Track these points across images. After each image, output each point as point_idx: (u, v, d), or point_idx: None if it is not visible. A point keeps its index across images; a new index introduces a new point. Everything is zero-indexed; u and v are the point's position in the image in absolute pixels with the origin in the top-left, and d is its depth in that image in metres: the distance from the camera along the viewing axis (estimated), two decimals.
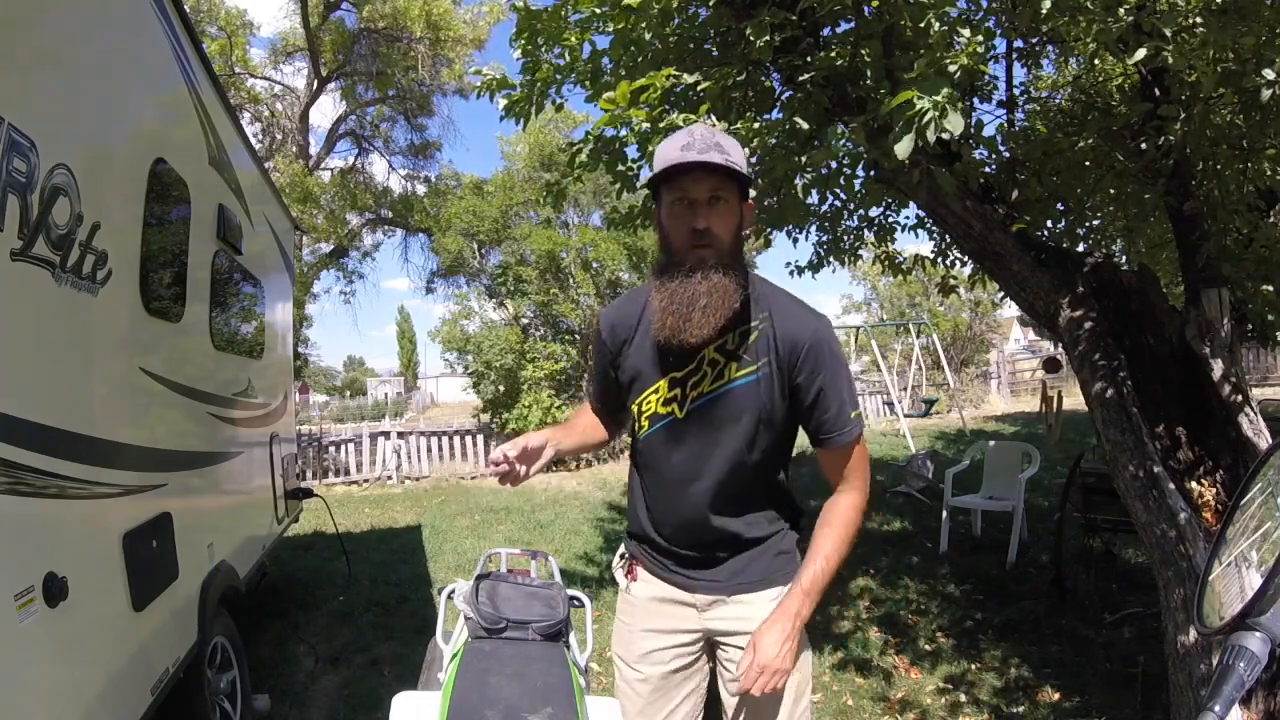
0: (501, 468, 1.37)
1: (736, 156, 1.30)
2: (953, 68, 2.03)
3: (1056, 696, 2.99)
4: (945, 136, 1.96)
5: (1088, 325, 2.80)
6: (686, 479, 1.44)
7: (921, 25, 2.17)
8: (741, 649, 1.43)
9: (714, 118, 2.22)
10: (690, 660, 1.54)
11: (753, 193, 1.50)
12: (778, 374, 1.38)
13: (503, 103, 2.81)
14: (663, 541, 1.51)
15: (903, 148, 1.95)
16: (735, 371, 1.38)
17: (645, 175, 3.14)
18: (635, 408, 1.47)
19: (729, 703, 1.51)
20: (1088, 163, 3.16)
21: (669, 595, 1.52)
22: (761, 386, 1.38)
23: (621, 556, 1.63)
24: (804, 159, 2.26)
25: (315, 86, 14.86)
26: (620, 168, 2.95)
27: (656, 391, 1.43)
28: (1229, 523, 0.78)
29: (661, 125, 2.27)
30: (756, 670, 1.30)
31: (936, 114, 1.88)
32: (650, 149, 2.51)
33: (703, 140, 1.28)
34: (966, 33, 2.06)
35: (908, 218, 4.16)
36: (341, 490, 9.70)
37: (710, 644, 1.54)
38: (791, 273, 4.31)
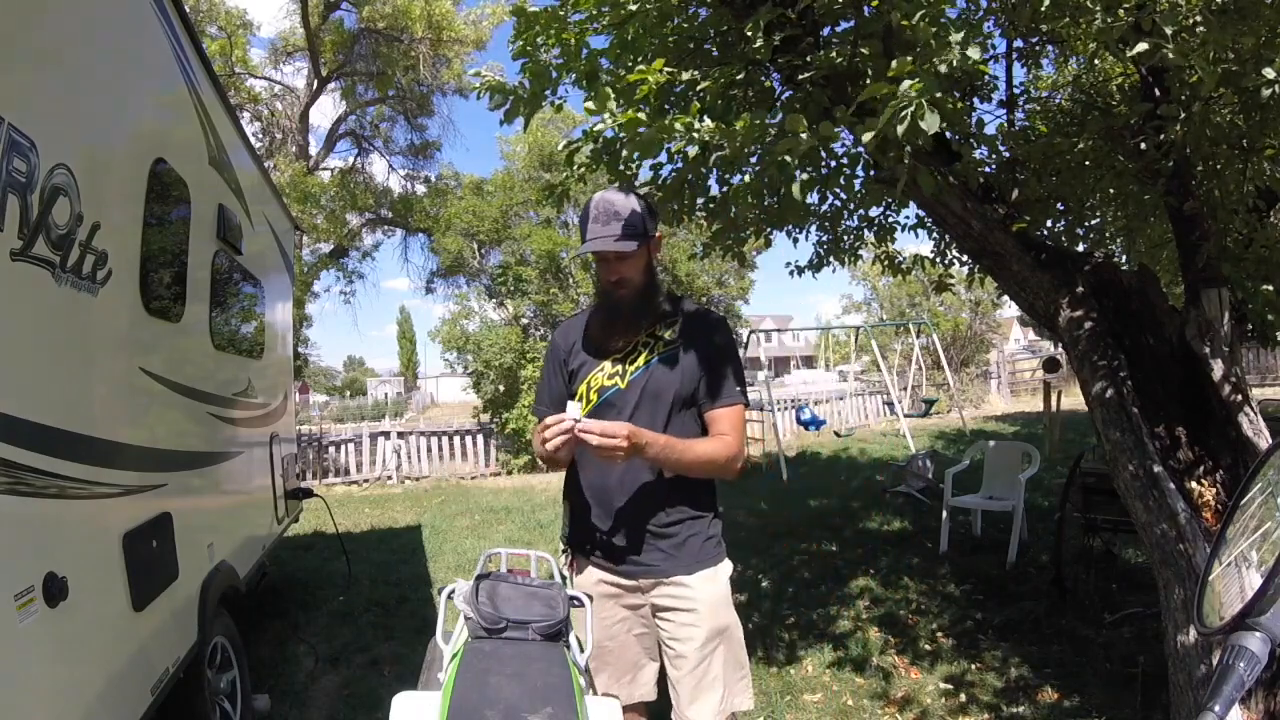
0: (565, 437, 1.55)
1: (632, 217, 1.71)
2: (943, 68, 2.02)
3: (1056, 696, 2.99)
4: (948, 134, 1.95)
5: (1088, 325, 2.80)
6: None
7: (915, 20, 2.16)
8: (681, 624, 1.75)
9: (708, 119, 2.21)
10: (644, 626, 1.83)
11: (659, 229, 1.90)
12: (691, 350, 1.78)
13: (497, 101, 2.81)
14: (603, 536, 1.79)
15: (871, 137, 1.97)
16: (661, 349, 1.79)
17: (645, 175, 3.15)
18: (583, 387, 1.81)
19: (674, 675, 1.78)
20: (1088, 163, 3.15)
21: (614, 581, 1.81)
22: (680, 360, 1.77)
23: (563, 552, 1.93)
24: (784, 150, 2.23)
25: (315, 86, 14.85)
26: (620, 168, 2.94)
27: (602, 370, 1.81)
28: (1229, 523, 0.78)
29: (659, 125, 2.26)
30: (610, 425, 1.56)
31: (913, 109, 1.87)
32: (630, 148, 2.49)
33: (604, 215, 1.69)
34: (960, 35, 2.05)
35: (908, 218, 4.16)
36: (341, 490, 9.70)
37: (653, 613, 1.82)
38: (791, 273, 4.31)
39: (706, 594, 1.75)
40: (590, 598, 1.76)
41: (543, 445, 1.60)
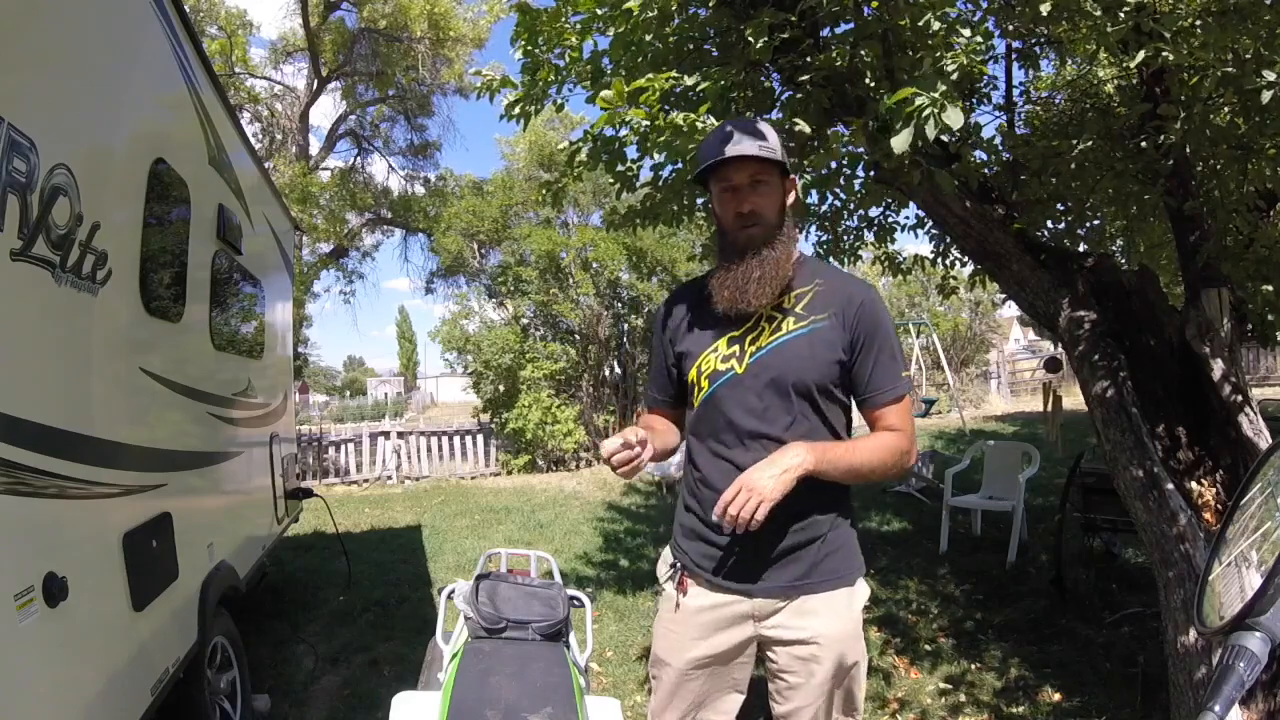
0: (626, 453, 1.32)
1: (774, 142, 1.41)
2: (950, 67, 2.03)
3: (1057, 697, 2.99)
4: (946, 137, 1.96)
5: (1088, 325, 2.80)
6: (753, 434, 1.42)
7: (920, 25, 2.17)
8: (798, 658, 1.44)
9: (712, 119, 2.22)
10: (742, 659, 1.52)
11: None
12: (835, 328, 1.42)
13: (504, 103, 2.81)
14: (715, 548, 1.47)
15: (900, 142, 1.96)
16: (792, 325, 1.43)
17: (645, 175, 3.14)
18: (694, 371, 1.49)
19: (778, 712, 1.49)
20: (1087, 163, 3.16)
21: (724, 607, 1.47)
22: (818, 338, 1.42)
23: (671, 566, 1.56)
24: (805, 161, 2.27)
25: (315, 86, 14.84)
26: (620, 168, 2.94)
27: (715, 350, 1.46)
28: (1229, 523, 0.78)
29: (660, 124, 2.27)
30: (737, 486, 1.28)
31: (935, 109, 1.88)
32: (649, 147, 2.51)
33: (742, 131, 1.40)
34: (967, 32, 2.06)
35: (908, 218, 4.16)
36: (341, 490, 9.70)
37: (761, 646, 1.51)
38: None
39: (833, 624, 1.45)
40: (592, 598, 1.73)
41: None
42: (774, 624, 1.46)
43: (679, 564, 1.53)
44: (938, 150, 2.33)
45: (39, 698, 1.49)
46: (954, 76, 2.01)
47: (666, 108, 2.74)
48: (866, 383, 1.43)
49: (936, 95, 1.88)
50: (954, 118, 1.87)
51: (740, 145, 1.38)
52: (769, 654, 1.50)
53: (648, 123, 2.33)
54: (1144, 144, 2.86)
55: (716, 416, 1.46)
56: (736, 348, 1.45)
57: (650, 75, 2.30)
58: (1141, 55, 2.18)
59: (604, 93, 2.30)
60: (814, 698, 1.45)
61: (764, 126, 1.43)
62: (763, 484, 1.27)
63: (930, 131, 1.91)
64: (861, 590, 1.53)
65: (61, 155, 1.60)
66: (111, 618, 1.85)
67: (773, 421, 1.42)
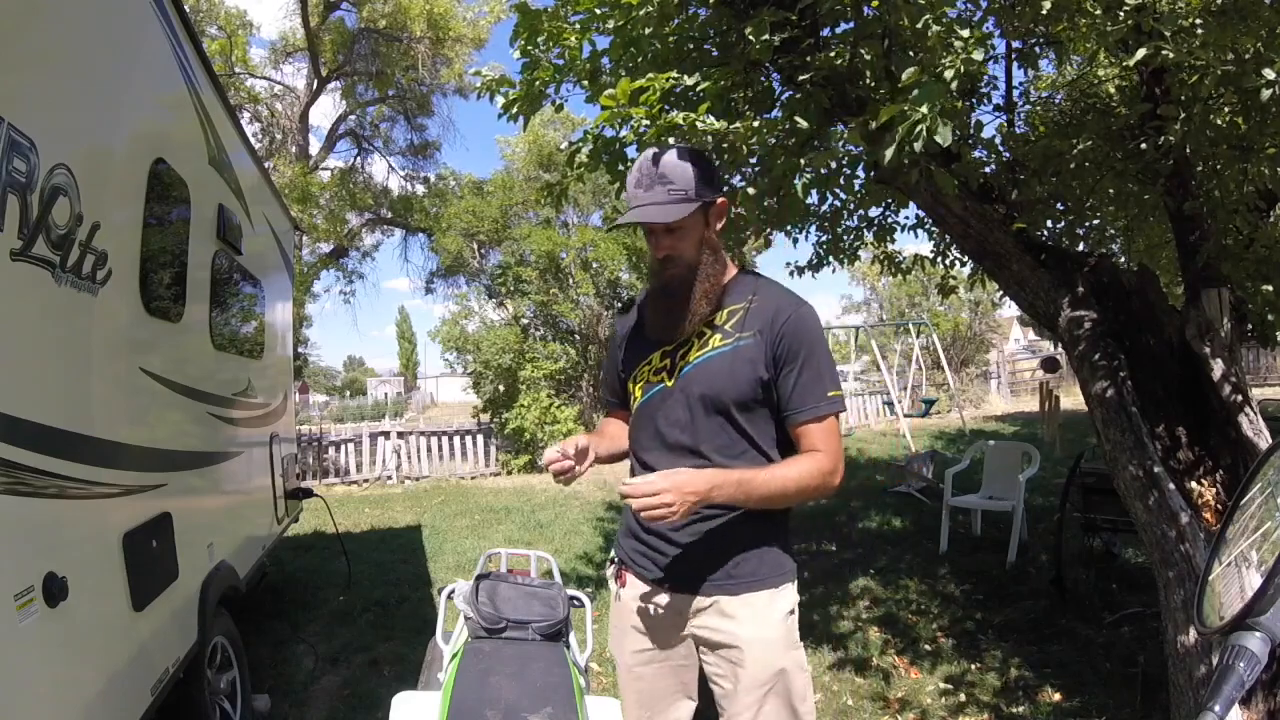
0: (562, 463, 1.40)
1: (686, 181, 1.41)
2: (949, 74, 2.03)
3: (1057, 697, 2.99)
4: (936, 145, 1.97)
5: (1088, 325, 2.80)
6: (677, 445, 1.48)
7: (919, 26, 2.17)
8: (725, 660, 1.47)
9: (712, 118, 2.22)
10: (682, 659, 1.55)
11: (726, 189, 1.61)
12: (759, 345, 1.44)
13: (501, 102, 2.81)
14: (646, 545, 1.53)
15: (888, 154, 1.98)
16: (718, 342, 1.47)
17: None
18: (632, 381, 1.56)
19: (726, 714, 1.50)
20: (1087, 163, 3.15)
21: (655, 598, 1.53)
22: (740, 355, 1.44)
23: (612, 561, 1.65)
24: (804, 160, 2.27)
25: (315, 86, 14.83)
26: (620, 168, 2.94)
27: (649, 363, 1.54)
28: (1229, 523, 0.78)
29: (660, 123, 2.27)
30: (659, 488, 1.28)
31: (926, 124, 1.88)
32: (643, 148, 2.51)
33: (647, 178, 1.41)
34: (965, 33, 2.06)
35: (908, 218, 4.16)
36: (341, 490, 9.70)
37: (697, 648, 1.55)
38: (791, 273, 4.32)
39: (752, 629, 1.45)
40: (592, 598, 1.74)
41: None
42: (701, 624, 1.50)
43: (618, 558, 1.61)
44: (937, 148, 2.33)
45: (39, 698, 1.49)
46: (953, 84, 2.02)
47: (667, 107, 2.74)
48: (787, 400, 1.44)
49: (927, 112, 1.88)
50: (944, 135, 1.88)
51: (635, 212, 1.41)
52: (702, 656, 1.53)
53: (648, 122, 2.34)
54: (1144, 144, 2.85)
55: (648, 425, 1.52)
56: (669, 361, 1.51)
57: (651, 75, 2.29)
58: (1142, 53, 2.18)
59: (608, 91, 2.30)
60: (744, 705, 1.45)
61: (679, 166, 1.41)
62: (677, 506, 1.28)
63: (918, 145, 1.91)
64: (786, 595, 1.51)
65: (61, 155, 1.60)
66: (111, 618, 1.85)
67: (696, 434, 1.46)
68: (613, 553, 1.66)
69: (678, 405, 1.47)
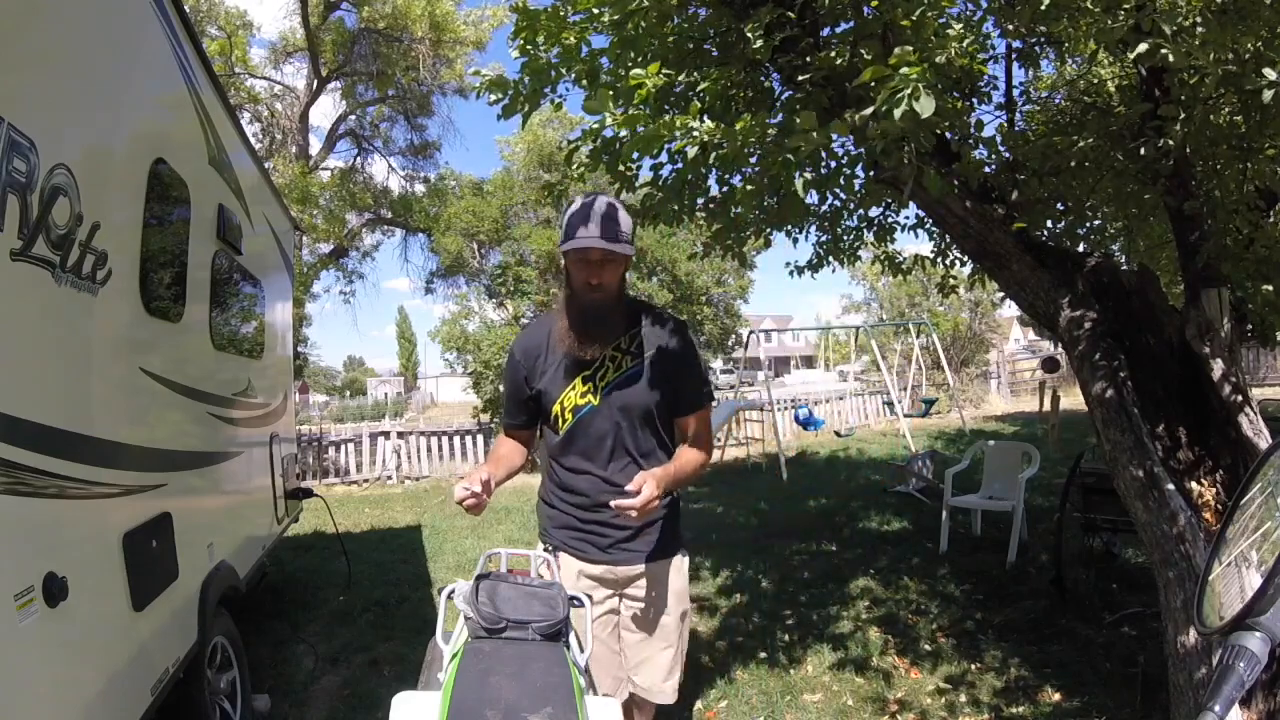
0: (471, 500, 1.64)
1: (625, 227, 1.75)
2: (940, 59, 2.02)
3: (1057, 697, 2.99)
4: (918, 124, 1.95)
5: (1088, 325, 2.80)
6: (610, 450, 1.84)
7: (915, 19, 2.17)
8: (648, 607, 1.92)
9: (707, 119, 2.21)
10: (609, 608, 1.94)
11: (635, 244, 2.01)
12: (658, 361, 1.84)
13: (496, 97, 2.80)
14: (589, 531, 1.87)
15: (864, 116, 1.98)
16: (630, 362, 1.84)
17: (645, 175, 3.14)
18: (557, 407, 1.85)
19: (627, 637, 1.94)
20: (1087, 163, 3.15)
21: (592, 573, 1.89)
22: (651, 371, 1.83)
23: (545, 550, 1.92)
24: (793, 147, 2.23)
25: (315, 86, 14.81)
26: (620, 168, 2.94)
27: (574, 389, 1.84)
28: (1229, 523, 0.78)
29: (649, 131, 2.25)
30: (647, 496, 1.60)
31: (908, 91, 1.87)
32: (631, 147, 2.49)
33: (597, 216, 1.71)
34: (959, 26, 2.05)
35: (908, 218, 4.16)
36: (341, 490, 9.70)
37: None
38: (791, 273, 4.31)
39: (677, 581, 1.93)
40: (591, 597, 1.76)
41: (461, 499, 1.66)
42: (634, 588, 1.91)
43: (551, 547, 1.93)
44: (933, 141, 2.33)
45: (39, 698, 1.49)
46: (943, 63, 2.00)
47: (667, 107, 2.74)
48: (678, 399, 1.86)
49: (910, 75, 1.88)
50: (924, 106, 1.88)
51: (587, 240, 1.69)
52: (625, 608, 1.93)
53: (643, 126, 2.32)
54: (1144, 144, 2.85)
55: (580, 440, 1.85)
56: (590, 384, 1.83)
57: (636, 73, 2.28)
58: (1143, 47, 2.17)
59: (587, 101, 2.29)
60: (670, 635, 1.93)
61: (623, 217, 1.75)
62: (651, 508, 1.63)
63: (897, 114, 1.90)
64: (685, 558, 2.00)
65: (61, 155, 1.60)
66: (111, 618, 1.85)
67: (625, 439, 1.83)
68: (540, 545, 1.97)
69: (605, 420, 1.82)
